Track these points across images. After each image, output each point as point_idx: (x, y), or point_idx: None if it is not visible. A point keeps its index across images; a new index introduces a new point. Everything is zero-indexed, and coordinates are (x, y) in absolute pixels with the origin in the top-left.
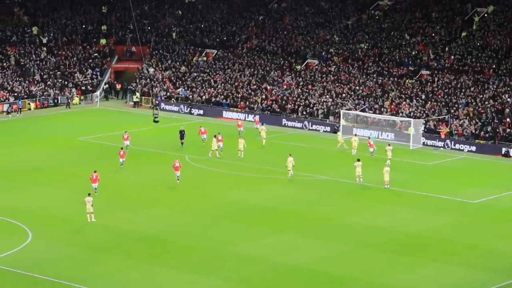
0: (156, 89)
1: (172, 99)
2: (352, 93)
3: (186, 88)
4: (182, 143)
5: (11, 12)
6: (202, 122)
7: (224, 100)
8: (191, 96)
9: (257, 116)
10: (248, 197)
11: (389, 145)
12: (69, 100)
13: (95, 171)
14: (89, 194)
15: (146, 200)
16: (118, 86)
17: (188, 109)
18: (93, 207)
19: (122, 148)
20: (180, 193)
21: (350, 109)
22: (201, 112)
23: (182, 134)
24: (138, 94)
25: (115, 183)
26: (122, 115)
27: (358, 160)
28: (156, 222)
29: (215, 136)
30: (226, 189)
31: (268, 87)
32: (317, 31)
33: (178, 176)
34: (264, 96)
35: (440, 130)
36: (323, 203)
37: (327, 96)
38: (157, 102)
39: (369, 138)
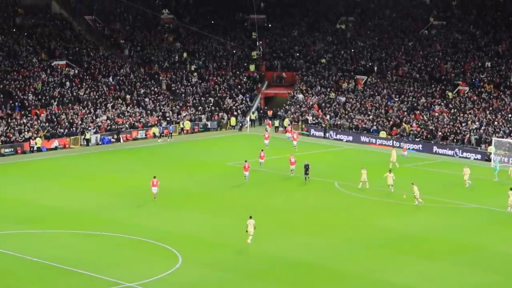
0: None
1: (322, 125)
2: (505, 120)
3: (334, 114)
4: (305, 178)
5: (162, 39)
6: (350, 149)
7: (373, 127)
8: (339, 122)
9: (290, 126)
10: (397, 224)
11: None
12: (242, 124)
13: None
14: (250, 217)
15: (295, 225)
16: (270, 113)
17: (323, 133)
18: (254, 229)
19: (246, 161)
20: (329, 219)
21: (502, 137)
22: (350, 138)
23: (306, 168)
24: (287, 120)
25: (265, 207)
26: (269, 140)
27: (511, 189)
28: (305, 247)
29: (363, 168)
30: (374, 216)
31: (418, 114)
32: (468, 58)
33: (292, 170)
34: (414, 123)
35: None
36: (473, 231)
37: (478, 124)
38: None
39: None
